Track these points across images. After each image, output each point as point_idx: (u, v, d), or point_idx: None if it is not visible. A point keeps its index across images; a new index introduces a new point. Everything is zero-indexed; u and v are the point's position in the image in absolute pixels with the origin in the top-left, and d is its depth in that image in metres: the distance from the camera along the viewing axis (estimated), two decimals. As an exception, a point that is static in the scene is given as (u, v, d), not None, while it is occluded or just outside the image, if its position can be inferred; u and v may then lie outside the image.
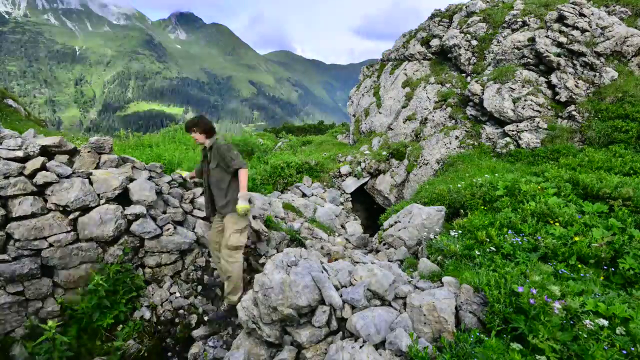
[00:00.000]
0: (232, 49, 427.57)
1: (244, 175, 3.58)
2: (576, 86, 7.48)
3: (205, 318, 4.00)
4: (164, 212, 4.22)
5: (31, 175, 3.39)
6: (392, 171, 10.17)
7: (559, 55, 7.93)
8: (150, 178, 4.30)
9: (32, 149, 3.51)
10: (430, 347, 2.23)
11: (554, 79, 7.82)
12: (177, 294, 4.06)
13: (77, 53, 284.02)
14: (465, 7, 11.79)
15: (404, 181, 9.66)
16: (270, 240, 5.28)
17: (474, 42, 10.52)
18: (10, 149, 3.42)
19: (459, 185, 5.55)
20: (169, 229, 4.08)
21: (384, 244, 5.32)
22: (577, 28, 7.95)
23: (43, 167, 3.46)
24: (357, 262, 4.00)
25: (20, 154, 3.41)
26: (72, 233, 3.51)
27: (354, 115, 15.37)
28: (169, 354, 3.63)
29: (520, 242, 3.48)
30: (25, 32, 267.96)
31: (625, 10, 8.64)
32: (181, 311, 3.95)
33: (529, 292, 2.24)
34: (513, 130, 7.60)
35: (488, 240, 3.66)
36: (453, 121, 9.56)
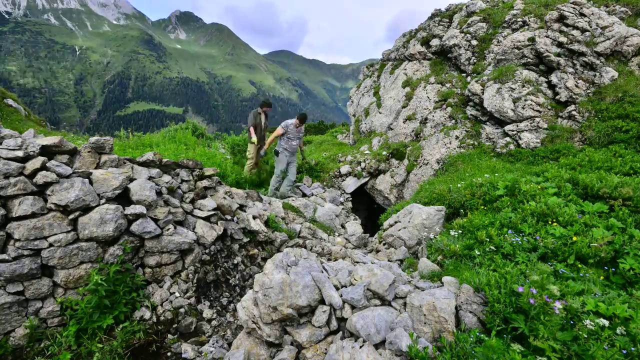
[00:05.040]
0: (232, 49, 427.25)
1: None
2: (576, 86, 7.48)
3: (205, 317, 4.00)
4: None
5: (31, 175, 3.39)
6: (392, 171, 10.17)
7: (559, 55, 7.93)
8: (150, 178, 4.30)
9: (32, 148, 3.51)
10: (430, 347, 2.23)
11: (554, 78, 7.82)
12: (177, 294, 4.06)
13: (77, 53, 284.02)
14: (465, 7, 11.78)
15: (404, 181, 9.66)
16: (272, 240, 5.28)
17: (474, 42, 10.52)
18: (10, 149, 3.41)
19: (459, 185, 5.55)
20: (169, 229, 4.08)
21: (384, 244, 5.32)
22: (577, 28, 7.95)
23: (43, 167, 3.46)
24: (357, 262, 4.01)
25: (20, 153, 3.41)
26: (72, 233, 3.51)
27: (354, 115, 15.38)
28: (169, 353, 3.63)
29: (520, 242, 3.48)
30: (25, 32, 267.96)
31: (625, 10, 8.64)
32: (181, 310, 3.95)
33: (529, 292, 2.24)
34: (513, 130, 7.60)
35: (488, 240, 3.67)
36: (453, 121, 9.56)
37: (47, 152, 3.70)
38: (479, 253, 3.51)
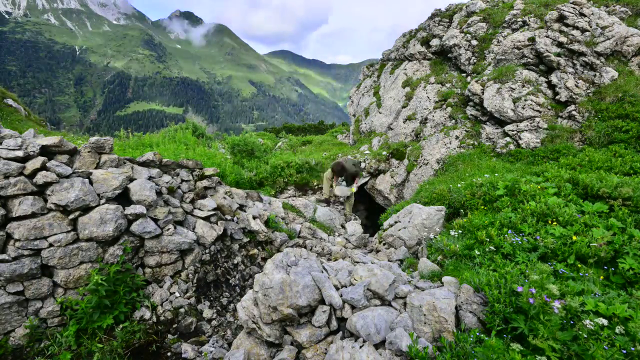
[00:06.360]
0: (232, 49, 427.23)
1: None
2: (576, 86, 7.48)
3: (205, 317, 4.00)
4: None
5: (31, 175, 3.39)
6: (392, 171, 10.17)
7: (559, 55, 7.93)
8: (150, 178, 4.30)
9: (32, 148, 3.51)
10: (430, 347, 2.23)
11: (554, 78, 7.82)
12: (177, 294, 4.06)
13: (77, 53, 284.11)
14: (465, 7, 11.78)
15: (404, 181, 9.66)
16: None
17: (474, 42, 10.52)
18: (10, 149, 3.41)
19: (459, 185, 5.55)
20: (169, 229, 4.08)
21: (384, 244, 5.32)
22: (577, 28, 7.95)
23: (43, 167, 3.46)
24: (357, 262, 4.01)
25: (20, 153, 3.41)
26: (72, 233, 3.51)
27: (354, 115, 15.38)
28: (169, 353, 3.63)
29: (520, 242, 3.48)
30: (25, 32, 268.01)
31: (625, 10, 8.64)
32: (181, 310, 3.95)
33: (529, 292, 2.24)
34: (513, 130, 7.60)
35: (488, 240, 3.67)
36: (453, 121, 9.56)
37: (47, 152, 3.70)
38: (479, 253, 3.51)
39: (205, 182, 5.04)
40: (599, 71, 7.49)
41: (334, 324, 2.79)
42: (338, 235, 6.95)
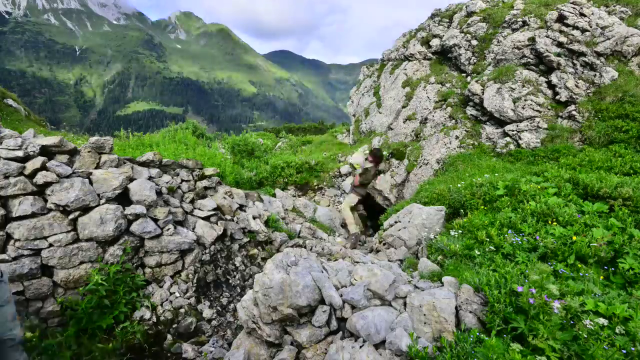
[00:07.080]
0: (232, 49, 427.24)
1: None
2: (576, 86, 7.47)
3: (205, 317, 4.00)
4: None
5: (31, 175, 3.39)
6: (392, 171, 10.16)
7: (559, 55, 7.93)
8: (150, 178, 4.30)
9: (32, 149, 3.51)
10: (430, 347, 2.23)
11: (554, 78, 7.82)
12: (177, 294, 4.06)
13: (77, 53, 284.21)
14: (465, 7, 11.77)
15: (404, 181, 9.65)
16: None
17: (474, 42, 10.51)
18: (10, 149, 3.41)
19: (459, 185, 5.55)
20: (169, 229, 4.08)
21: (384, 244, 5.32)
22: (577, 28, 7.95)
23: (43, 167, 3.46)
24: (357, 262, 4.01)
25: (20, 154, 3.41)
26: (72, 233, 3.51)
27: (354, 115, 15.38)
28: (169, 354, 3.63)
29: (520, 242, 3.48)
30: (25, 32, 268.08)
31: (625, 10, 8.64)
32: (181, 310, 3.95)
33: (529, 292, 2.24)
34: (513, 130, 7.60)
35: (488, 240, 3.66)
36: (453, 121, 9.56)
37: (47, 152, 3.70)
38: (479, 253, 3.50)
39: (205, 182, 5.04)
40: (599, 71, 7.49)
41: (334, 324, 2.79)
42: (338, 235, 6.95)
